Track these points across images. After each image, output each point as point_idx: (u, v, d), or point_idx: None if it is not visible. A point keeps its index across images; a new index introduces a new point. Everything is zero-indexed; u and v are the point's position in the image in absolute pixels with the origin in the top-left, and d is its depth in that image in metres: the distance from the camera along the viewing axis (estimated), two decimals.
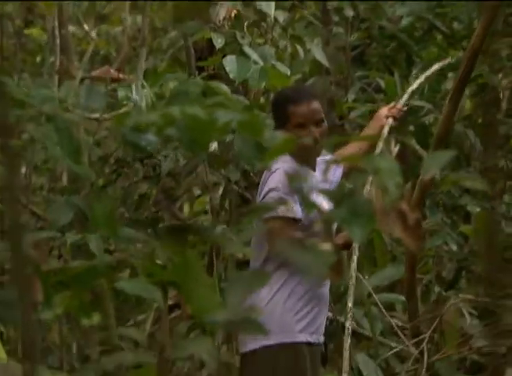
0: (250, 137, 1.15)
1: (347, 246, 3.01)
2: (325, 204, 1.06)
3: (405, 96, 3.63)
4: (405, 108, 3.69)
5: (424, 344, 3.48)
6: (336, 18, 5.61)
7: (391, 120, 3.39)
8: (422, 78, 3.75)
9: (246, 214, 2.86)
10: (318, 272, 0.93)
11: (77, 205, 3.24)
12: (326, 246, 0.94)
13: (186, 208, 5.66)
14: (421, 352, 3.57)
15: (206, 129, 1.04)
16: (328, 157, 3.15)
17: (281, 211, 2.71)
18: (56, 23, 4.76)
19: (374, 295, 3.95)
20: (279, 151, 1.11)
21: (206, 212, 4.70)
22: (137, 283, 1.04)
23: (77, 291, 1.02)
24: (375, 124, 3.45)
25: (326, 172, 2.64)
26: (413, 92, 3.82)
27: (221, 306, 0.97)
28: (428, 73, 3.79)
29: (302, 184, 1.02)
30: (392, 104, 3.55)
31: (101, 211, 1.03)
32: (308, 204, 1.03)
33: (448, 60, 4.03)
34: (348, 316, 3.19)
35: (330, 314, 3.76)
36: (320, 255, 0.93)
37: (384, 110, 3.47)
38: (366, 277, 4.29)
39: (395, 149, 5.73)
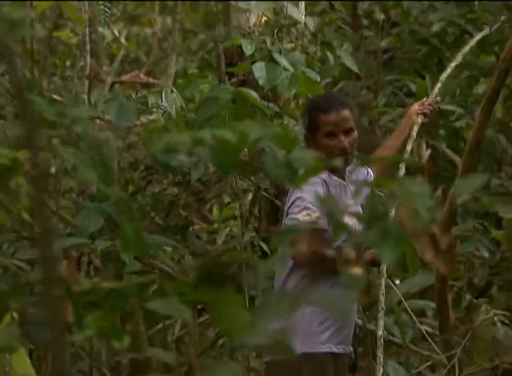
0: (281, 156, 1.15)
1: (376, 263, 2.97)
2: (349, 219, 1.05)
3: (436, 90, 3.56)
4: (436, 104, 3.62)
5: (456, 356, 3.43)
6: (366, 22, 5.60)
7: (421, 117, 3.34)
8: (451, 68, 3.66)
9: (278, 234, 2.86)
10: (349, 295, 0.92)
11: (106, 212, 3.27)
12: (358, 270, 0.94)
13: (215, 213, 5.66)
14: (451, 360, 3.53)
15: (235, 150, 1.04)
16: (363, 170, 3.15)
17: (305, 220, 2.71)
18: (87, 27, 4.78)
19: (404, 302, 3.91)
20: (310, 173, 1.10)
21: (235, 218, 4.71)
22: (168, 303, 1.04)
23: (108, 312, 1.02)
24: (406, 122, 3.40)
25: (359, 190, 2.62)
26: (443, 89, 3.75)
27: (251, 328, 0.96)
28: (457, 61, 3.69)
29: (332, 205, 1.01)
30: (423, 100, 3.49)
31: (131, 231, 1.03)
32: (338, 226, 1.02)
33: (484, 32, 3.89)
34: (380, 323, 3.16)
35: (360, 321, 3.74)
36: (352, 280, 0.92)
37: (414, 108, 3.42)
38: (397, 282, 4.26)
39: (427, 153, 5.67)
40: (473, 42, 3.74)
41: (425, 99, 3.49)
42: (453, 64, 3.64)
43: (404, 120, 3.47)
